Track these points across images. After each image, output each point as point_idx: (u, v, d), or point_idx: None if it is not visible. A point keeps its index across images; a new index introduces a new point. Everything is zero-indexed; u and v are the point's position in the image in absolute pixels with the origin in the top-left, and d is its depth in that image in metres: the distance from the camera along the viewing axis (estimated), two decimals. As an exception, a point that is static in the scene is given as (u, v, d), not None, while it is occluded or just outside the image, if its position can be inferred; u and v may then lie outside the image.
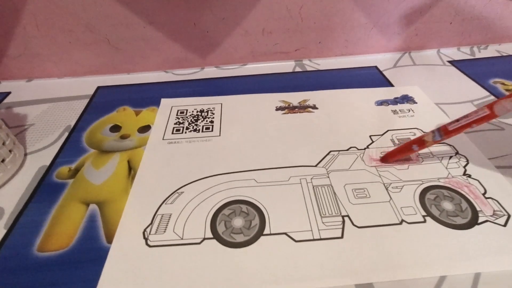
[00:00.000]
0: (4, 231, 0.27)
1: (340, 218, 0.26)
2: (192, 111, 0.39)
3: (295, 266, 0.23)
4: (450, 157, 0.31)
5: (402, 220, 0.26)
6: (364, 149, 0.33)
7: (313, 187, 0.29)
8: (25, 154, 0.34)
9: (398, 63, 0.48)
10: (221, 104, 0.40)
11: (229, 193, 0.29)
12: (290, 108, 0.39)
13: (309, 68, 0.48)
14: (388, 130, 0.35)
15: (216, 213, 0.27)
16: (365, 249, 0.24)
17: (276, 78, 0.46)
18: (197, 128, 0.36)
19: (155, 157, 0.33)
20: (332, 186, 0.29)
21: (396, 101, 0.40)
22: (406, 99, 0.40)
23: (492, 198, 0.27)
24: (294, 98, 0.41)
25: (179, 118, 0.38)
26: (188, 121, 0.38)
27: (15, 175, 0.32)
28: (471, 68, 0.46)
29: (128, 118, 0.39)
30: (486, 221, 0.26)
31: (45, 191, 0.30)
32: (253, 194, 0.28)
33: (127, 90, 0.45)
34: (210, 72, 0.48)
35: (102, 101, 0.42)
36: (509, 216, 0.26)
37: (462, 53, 0.50)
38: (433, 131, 0.28)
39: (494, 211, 0.26)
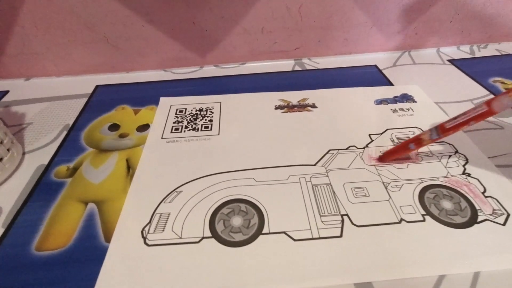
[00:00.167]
0: (2, 230, 0.27)
1: (339, 217, 0.26)
2: (191, 110, 0.39)
3: (294, 265, 0.23)
4: (450, 156, 0.31)
5: (401, 219, 0.26)
6: (364, 148, 0.33)
7: (312, 186, 0.29)
8: (23, 153, 0.34)
9: (398, 62, 0.48)
10: (220, 103, 0.40)
11: (228, 192, 0.28)
12: (289, 107, 0.39)
13: (308, 67, 0.48)
14: (387, 129, 0.35)
15: (215, 212, 0.27)
16: (364, 248, 0.24)
17: (275, 77, 0.46)
18: (196, 127, 0.36)
19: (154, 156, 0.33)
20: (331, 185, 0.29)
21: (395, 100, 0.39)
22: (405, 98, 0.40)
23: (491, 197, 0.27)
24: (294, 97, 0.41)
25: (178, 117, 0.38)
26: (187, 120, 0.38)
27: (13, 174, 0.32)
28: (471, 67, 0.46)
29: (127, 117, 0.39)
30: (486, 220, 0.26)
31: (43, 190, 0.30)
32: (252, 193, 0.28)
33: (126, 88, 0.45)
34: (209, 71, 0.48)
35: (101, 100, 0.42)
36: (508, 215, 0.26)
37: (462, 52, 0.50)
38: (430, 130, 0.28)
39: (493, 210, 0.26)
